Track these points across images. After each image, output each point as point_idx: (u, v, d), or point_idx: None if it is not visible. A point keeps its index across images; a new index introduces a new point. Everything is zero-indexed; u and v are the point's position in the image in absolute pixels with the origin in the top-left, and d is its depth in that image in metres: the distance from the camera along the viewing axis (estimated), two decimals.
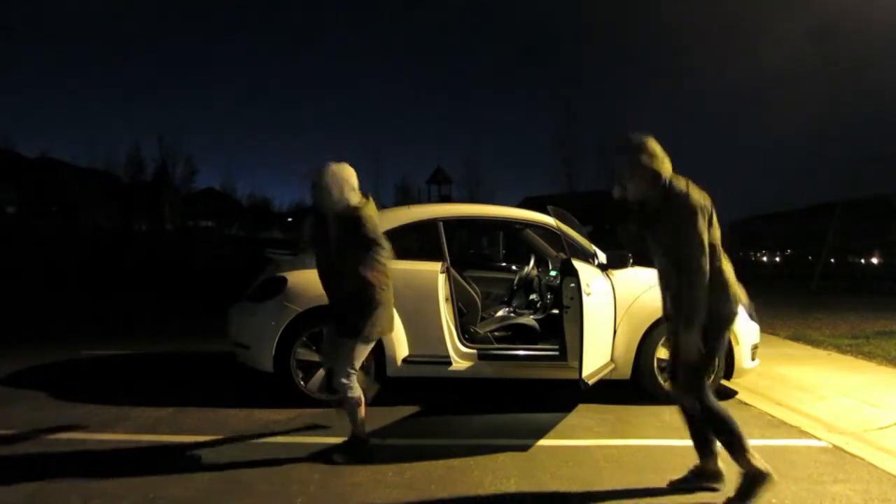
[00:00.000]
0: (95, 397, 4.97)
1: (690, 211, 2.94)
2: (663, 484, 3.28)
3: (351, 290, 3.49)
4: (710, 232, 3.02)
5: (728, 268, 3.11)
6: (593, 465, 3.61)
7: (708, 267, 2.93)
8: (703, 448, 3.23)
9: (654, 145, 3.08)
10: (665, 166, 3.06)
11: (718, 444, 3.16)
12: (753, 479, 2.98)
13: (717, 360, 3.21)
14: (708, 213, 3.03)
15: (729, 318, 3.09)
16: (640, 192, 3.09)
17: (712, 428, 3.11)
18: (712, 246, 3.01)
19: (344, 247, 3.49)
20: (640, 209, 3.17)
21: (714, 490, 3.18)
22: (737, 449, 3.01)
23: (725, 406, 3.25)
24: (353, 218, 3.46)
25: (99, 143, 73.65)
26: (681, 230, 2.94)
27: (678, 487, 3.22)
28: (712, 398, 3.07)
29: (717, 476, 3.21)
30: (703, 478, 3.24)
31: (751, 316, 5.07)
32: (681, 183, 3.04)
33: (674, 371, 3.19)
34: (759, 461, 2.98)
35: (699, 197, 3.02)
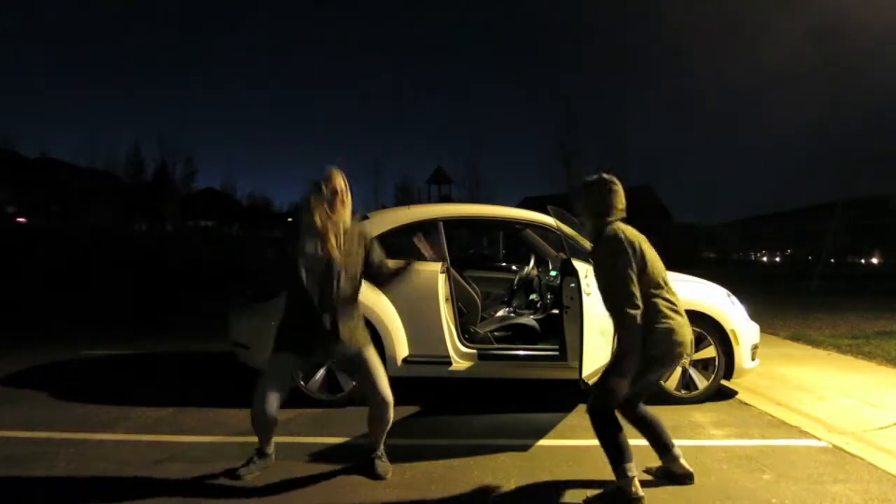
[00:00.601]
0: (95, 397, 4.98)
1: (613, 251, 2.99)
2: (663, 483, 3.28)
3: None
4: (646, 268, 3.02)
5: (671, 306, 3.07)
6: (593, 465, 3.60)
7: (635, 310, 2.93)
8: (665, 452, 3.28)
9: (603, 190, 3.14)
10: (612, 210, 3.12)
11: (678, 447, 3.26)
12: (617, 495, 3.02)
13: (644, 392, 3.27)
14: (639, 251, 3.03)
15: (662, 359, 3.08)
16: (588, 233, 3.25)
17: (596, 433, 3.10)
18: (650, 283, 3.03)
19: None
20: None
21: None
22: (615, 464, 3.04)
23: (654, 416, 3.32)
24: None
25: (99, 143, 73.40)
26: (606, 271, 3.03)
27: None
28: (614, 415, 3.08)
29: (686, 477, 3.26)
30: (672, 479, 3.29)
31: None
32: (609, 228, 3.09)
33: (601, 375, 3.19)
34: (637, 487, 2.99)
35: (626, 237, 3.04)
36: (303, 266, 3.15)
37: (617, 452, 3.04)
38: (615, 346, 3.10)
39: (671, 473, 3.29)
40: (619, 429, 3.06)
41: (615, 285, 2.98)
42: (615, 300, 3.00)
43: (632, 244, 3.03)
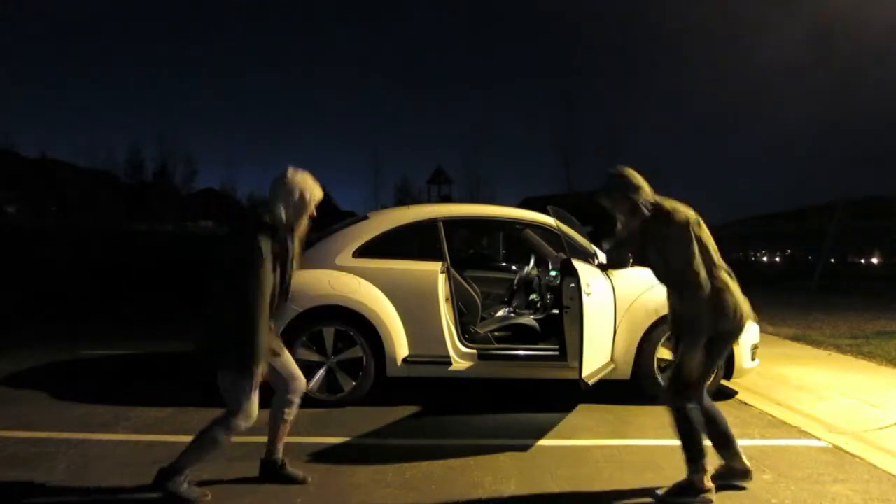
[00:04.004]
0: (95, 397, 4.97)
1: (679, 228, 2.98)
2: (663, 483, 3.28)
3: None
4: (704, 246, 3.03)
5: (730, 281, 3.09)
6: (593, 465, 3.61)
7: (706, 283, 2.94)
8: (725, 448, 3.24)
9: (630, 174, 3.16)
10: (643, 192, 3.12)
11: (739, 443, 3.22)
12: (690, 487, 3.06)
13: (712, 373, 3.25)
14: (697, 228, 3.04)
15: (731, 334, 3.11)
16: (627, 222, 3.19)
17: (679, 436, 3.13)
18: (709, 260, 3.02)
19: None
20: (630, 237, 3.26)
21: (742, 489, 3.22)
22: (695, 462, 3.07)
23: (718, 411, 3.28)
24: None
25: (99, 143, 73.30)
26: (671, 249, 2.98)
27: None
28: (694, 412, 3.10)
29: (745, 474, 3.24)
30: (730, 476, 3.26)
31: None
32: (666, 203, 3.09)
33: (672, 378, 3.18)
34: (708, 481, 3.06)
35: (686, 213, 3.05)
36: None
37: (695, 446, 3.07)
38: (683, 332, 3.05)
39: (732, 471, 3.25)
40: (699, 423, 3.10)
41: (684, 261, 2.95)
42: (682, 278, 2.97)
43: (698, 221, 3.06)
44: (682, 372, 3.03)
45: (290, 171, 3.03)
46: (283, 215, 2.97)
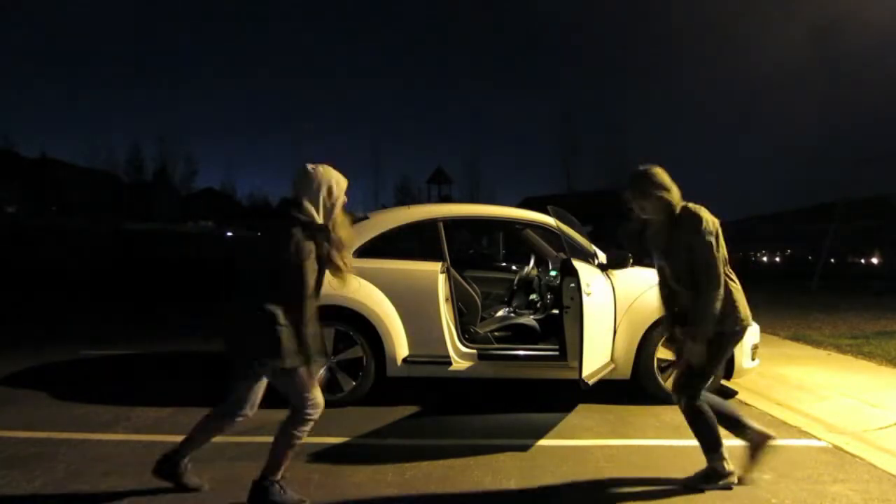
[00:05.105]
0: (95, 397, 4.98)
1: (708, 231, 3.11)
2: (662, 483, 3.28)
3: None
4: (721, 249, 3.18)
5: (737, 288, 3.26)
6: (593, 465, 3.61)
7: (722, 283, 3.11)
8: (738, 427, 3.33)
9: (661, 174, 3.26)
10: (674, 193, 3.24)
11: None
12: (713, 473, 3.23)
13: (712, 375, 3.34)
14: (719, 232, 3.19)
15: (735, 335, 3.27)
16: (654, 217, 3.28)
17: (693, 429, 3.27)
18: (723, 262, 3.17)
19: None
20: (645, 229, 3.37)
21: (728, 489, 3.25)
22: (714, 451, 3.24)
23: (715, 397, 3.36)
24: None
25: (99, 143, 73.19)
26: (698, 250, 3.10)
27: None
28: (704, 405, 3.25)
29: (765, 436, 3.31)
30: (757, 448, 3.31)
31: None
32: (693, 206, 3.22)
33: (679, 375, 3.33)
34: (729, 465, 3.23)
35: (712, 218, 3.19)
36: None
37: (713, 438, 3.22)
38: (688, 332, 3.17)
39: (755, 444, 3.30)
40: (710, 414, 3.24)
41: (709, 260, 3.08)
42: (703, 277, 3.09)
43: (714, 222, 3.18)
44: (688, 364, 3.19)
45: (311, 168, 3.00)
46: (314, 212, 2.95)
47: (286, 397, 2.99)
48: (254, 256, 3.03)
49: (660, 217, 3.25)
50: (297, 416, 2.98)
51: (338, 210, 3.04)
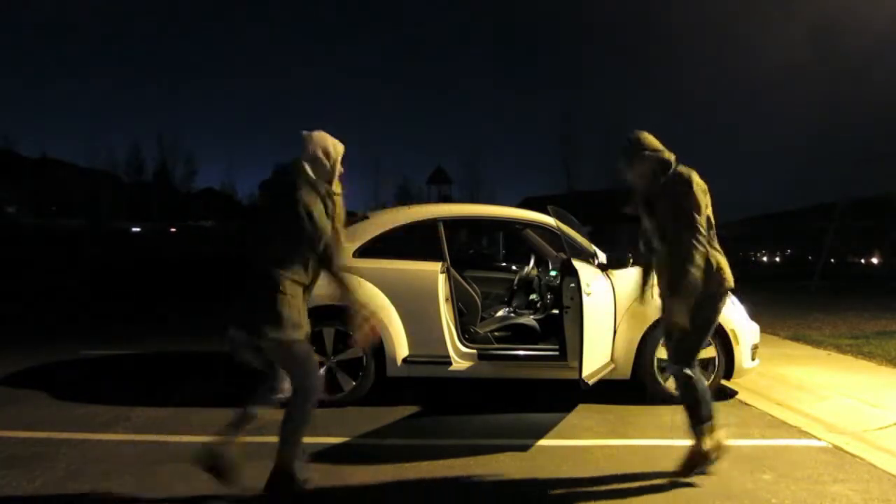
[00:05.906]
0: (95, 397, 4.98)
1: (693, 190, 3.20)
2: (663, 483, 3.28)
3: None
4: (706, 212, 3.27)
5: (720, 254, 3.33)
6: (593, 465, 3.61)
7: (706, 244, 3.18)
8: (698, 422, 3.34)
9: (650, 138, 3.38)
10: (666, 155, 3.33)
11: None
12: (695, 456, 3.28)
13: (709, 333, 3.42)
14: (707, 197, 3.28)
15: (719, 296, 3.32)
16: (645, 183, 3.37)
17: (684, 400, 3.34)
18: (707, 226, 3.25)
19: None
20: (644, 198, 3.44)
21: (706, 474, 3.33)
22: (697, 425, 3.28)
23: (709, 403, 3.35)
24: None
25: (99, 143, 73.20)
26: (685, 205, 3.18)
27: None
28: (697, 376, 3.32)
29: (710, 455, 3.34)
30: (695, 462, 3.35)
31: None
32: (685, 168, 3.31)
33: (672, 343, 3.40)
34: (707, 444, 3.27)
35: (701, 182, 3.27)
36: None
37: (699, 410, 3.28)
38: (675, 301, 3.19)
39: (695, 454, 3.31)
40: (703, 387, 3.31)
41: (692, 218, 3.16)
42: (688, 237, 3.15)
43: (703, 185, 3.26)
44: (673, 325, 3.20)
45: (305, 134, 3.02)
46: (311, 172, 2.94)
47: (287, 375, 2.98)
48: (263, 223, 3.00)
49: (650, 180, 3.33)
50: (298, 396, 2.97)
51: (336, 176, 3.02)
